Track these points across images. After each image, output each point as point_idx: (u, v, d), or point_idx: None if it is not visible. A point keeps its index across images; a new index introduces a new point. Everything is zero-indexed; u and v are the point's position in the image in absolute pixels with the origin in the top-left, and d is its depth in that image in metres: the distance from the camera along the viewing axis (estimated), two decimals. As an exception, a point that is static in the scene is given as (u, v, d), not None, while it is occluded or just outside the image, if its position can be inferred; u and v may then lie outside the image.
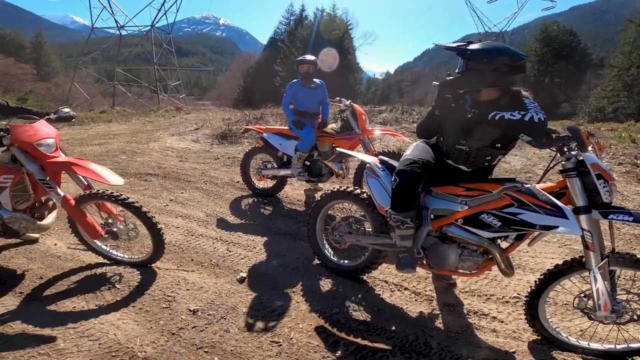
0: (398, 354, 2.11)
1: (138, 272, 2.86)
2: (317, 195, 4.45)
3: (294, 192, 4.76)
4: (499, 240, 2.18)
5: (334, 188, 2.81)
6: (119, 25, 33.69)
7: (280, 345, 2.18)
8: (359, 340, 2.22)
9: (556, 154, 1.95)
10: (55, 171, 2.73)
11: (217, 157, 6.25)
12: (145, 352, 2.12)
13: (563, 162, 1.90)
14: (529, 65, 27.17)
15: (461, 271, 2.31)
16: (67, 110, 2.99)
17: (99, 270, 2.89)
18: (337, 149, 3.77)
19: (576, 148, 1.86)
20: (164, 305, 2.50)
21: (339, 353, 2.12)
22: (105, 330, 2.27)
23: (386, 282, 2.80)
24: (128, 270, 2.89)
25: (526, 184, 2.04)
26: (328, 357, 2.08)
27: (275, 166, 4.46)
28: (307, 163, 4.25)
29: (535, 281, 2.11)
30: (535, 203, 1.95)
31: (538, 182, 2.09)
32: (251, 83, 33.66)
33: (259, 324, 2.35)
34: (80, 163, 2.67)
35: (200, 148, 6.82)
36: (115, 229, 2.77)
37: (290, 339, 2.23)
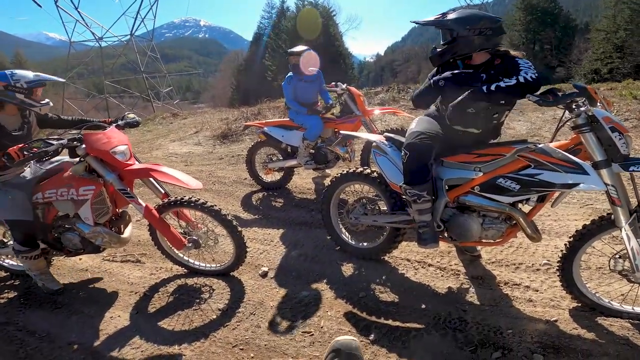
0: (433, 331, 2.09)
1: (163, 277, 2.86)
2: (326, 182, 4.42)
3: (303, 181, 4.73)
4: (520, 205, 2.14)
5: (342, 172, 2.77)
6: (96, 38, 33.29)
7: (312, 335, 2.17)
8: (390, 321, 2.21)
9: (564, 112, 1.91)
10: (130, 181, 2.57)
11: (221, 157, 6.20)
12: (185, 355, 2.13)
13: (574, 119, 1.86)
14: (517, 34, 27.28)
15: (485, 241, 2.28)
16: (132, 116, 2.85)
17: (130, 280, 2.90)
18: (340, 132, 3.72)
19: (585, 103, 1.83)
20: (194, 307, 2.50)
21: (372, 336, 2.11)
22: (144, 336, 2.29)
23: (409, 260, 2.78)
24: (154, 276, 2.90)
25: (539, 144, 2.00)
26: (362, 341, 2.06)
27: (281, 158, 4.42)
28: (312, 151, 4.21)
29: (565, 245, 2.06)
30: (552, 162, 1.92)
31: (550, 142, 2.04)
32: (243, 80, 33.45)
33: (288, 316, 2.34)
34: (158, 168, 2.49)
35: (204, 150, 6.77)
36: (196, 237, 2.63)
37: (321, 327, 2.22)
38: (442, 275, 2.58)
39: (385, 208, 2.64)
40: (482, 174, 2.13)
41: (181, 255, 2.83)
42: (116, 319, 2.48)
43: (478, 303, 2.29)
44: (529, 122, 6.03)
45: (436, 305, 2.30)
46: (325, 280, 2.65)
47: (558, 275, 2.14)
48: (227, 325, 2.31)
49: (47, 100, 2.58)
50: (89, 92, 37.79)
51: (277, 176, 4.57)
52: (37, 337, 2.40)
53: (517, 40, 27.29)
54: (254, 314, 2.38)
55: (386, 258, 2.82)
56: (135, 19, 31.90)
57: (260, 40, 33.60)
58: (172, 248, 2.77)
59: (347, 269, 2.77)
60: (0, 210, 2.54)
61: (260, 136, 4.44)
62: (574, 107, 1.84)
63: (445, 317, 2.18)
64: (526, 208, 2.14)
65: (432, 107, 2.45)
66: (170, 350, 2.17)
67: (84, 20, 32.03)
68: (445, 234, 2.36)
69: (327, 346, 2.03)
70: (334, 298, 2.46)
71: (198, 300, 2.55)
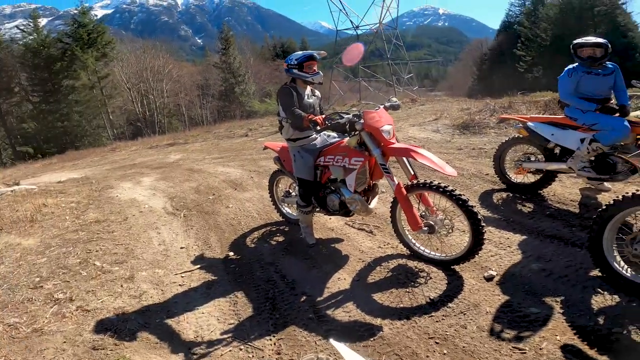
0: None
1: (388, 252, 3.10)
2: (601, 197, 3.60)
3: (565, 190, 4.00)
4: None
5: (637, 190, 2.20)
6: (354, 26, 37.34)
7: (524, 353, 1.97)
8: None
9: None
10: (388, 157, 2.82)
11: (460, 147, 6.04)
12: (382, 331, 2.27)
13: None
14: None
15: None
16: (395, 99, 3.23)
17: (361, 248, 3.20)
18: None
19: None
20: (407, 289, 2.61)
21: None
22: (356, 303, 2.51)
23: None
24: (381, 250, 3.15)
25: None
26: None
27: (542, 159, 3.85)
28: (593, 158, 3.42)
29: None
30: None
31: None
32: (487, 71, 31.18)
33: (503, 327, 2.17)
34: (417, 150, 2.67)
35: (441, 138, 6.80)
36: (432, 222, 2.71)
37: (540, 349, 1.98)
38: None
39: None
40: None
41: (410, 237, 2.96)
42: (342, 280, 2.78)
43: None
44: None
45: None
46: (567, 304, 2.30)
47: None
48: (432, 316, 2.32)
49: (318, 71, 3.08)
50: (347, 75, 43.60)
51: (530, 178, 4.01)
52: (285, 281, 2.79)
53: None
54: (464, 314, 2.30)
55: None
56: (382, 7, 33.94)
57: (509, 29, 30.17)
58: (406, 228, 2.94)
59: (603, 300, 2.30)
60: (296, 169, 3.25)
61: (520, 131, 3.90)
62: None
63: None
64: None
65: None
66: (373, 321, 2.33)
67: (344, 9, 36.67)
68: None
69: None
70: (571, 325, 2.12)
71: (413, 284, 2.64)
